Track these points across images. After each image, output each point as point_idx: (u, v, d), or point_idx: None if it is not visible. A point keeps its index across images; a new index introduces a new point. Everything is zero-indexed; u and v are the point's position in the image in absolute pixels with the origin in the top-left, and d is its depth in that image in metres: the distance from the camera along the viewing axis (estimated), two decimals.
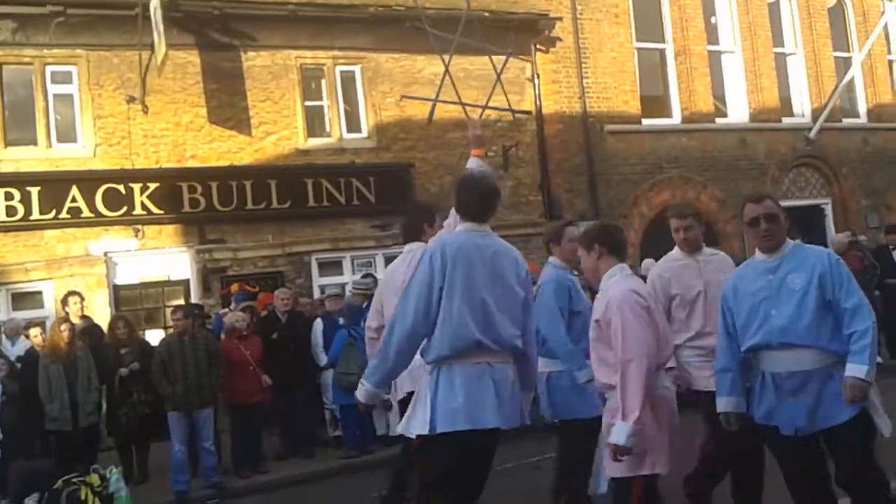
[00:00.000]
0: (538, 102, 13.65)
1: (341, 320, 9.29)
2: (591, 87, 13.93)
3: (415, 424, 3.66)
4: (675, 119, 14.90)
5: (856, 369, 3.61)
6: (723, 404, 4.04)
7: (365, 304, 9.36)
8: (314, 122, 12.57)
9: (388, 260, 12.62)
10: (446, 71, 10.01)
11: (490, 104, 13.37)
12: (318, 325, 9.43)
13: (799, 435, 3.77)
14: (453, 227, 4.06)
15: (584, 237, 4.14)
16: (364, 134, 12.74)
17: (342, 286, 11.81)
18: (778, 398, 3.82)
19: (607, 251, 3.96)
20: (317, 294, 11.55)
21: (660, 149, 14.46)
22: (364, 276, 10.59)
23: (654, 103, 14.83)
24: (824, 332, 3.73)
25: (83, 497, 7.15)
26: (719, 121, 15.21)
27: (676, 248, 5.11)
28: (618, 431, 3.58)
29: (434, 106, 8.64)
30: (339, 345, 8.89)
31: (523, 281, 3.85)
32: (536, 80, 13.65)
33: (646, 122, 14.51)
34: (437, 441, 3.56)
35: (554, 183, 13.70)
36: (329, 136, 12.56)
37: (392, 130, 12.75)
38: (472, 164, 4.75)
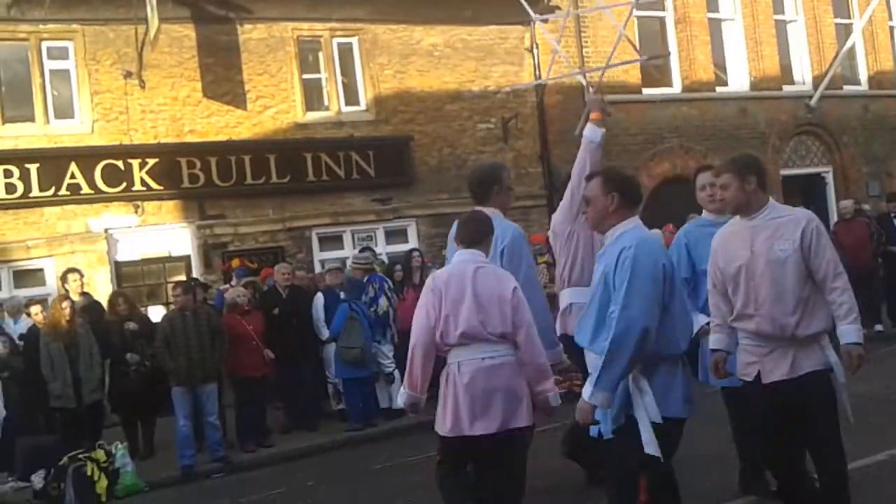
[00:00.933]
0: (537, 73, 13.55)
1: (342, 294, 9.30)
2: (591, 56, 13.82)
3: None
4: (676, 88, 14.80)
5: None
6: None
7: (365, 278, 9.39)
8: (312, 95, 12.49)
9: (389, 234, 12.67)
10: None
11: (488, 75, 13.35)
12: (319, 299, 9.44)
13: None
14: None
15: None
16: (363, 107, 12.66)
17: (343, 260, 11.81)
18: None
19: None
20: (318, 269, 11.55)
21: (660, 118, 14.39)
22: (363, 251, 10.58)
23: (655, 72, 14.72)
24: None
25: (89, 472, 7.22)
26: (720, 89, 15.10)
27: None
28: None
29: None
30: (341, 319, 8.91)
31: None
32: (535, 50, 13.55)
33: (646, 91, 14.41)
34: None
35: (554, 154, 13.64)
36: (327, 109, 12.49)
37: (391, 103, 12.68)
38: (589, 131, 4.76)
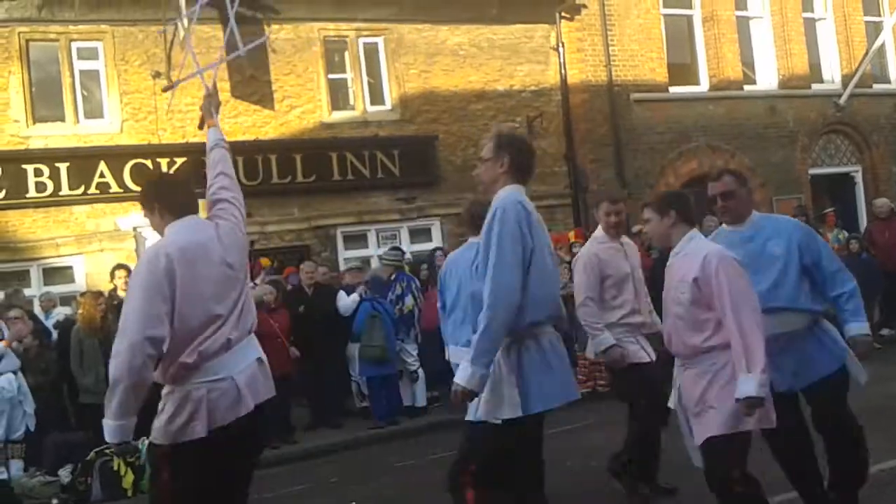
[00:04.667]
0: (563, 71, 13.51)
1: (361, 293, 9.31)
2: (617, 54, 13.76)
3: (504, 409, 3.46)
4: (703, 86, 14.69)
5: (861, 327, 4.01)
6: None
7: (392, 275, 9.42)
8: (338, 95, 12.55)
9: (413, 233, 12.70)
10: None
11: (513, 74, 13.34)
12: (342, 295, 9.46)
13: (786, 392, 3.99)
14: None
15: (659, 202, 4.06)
16: (388, 106, 12.70)
17: (365, 259, 11.86)
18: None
19: (680, 218, 3.91)
20: (342, 268, 11.61)
21: (687, 117, 14.28)
22: (392, 249, 10.59)
23: (682, 71, 14.61)
24: (804, 294, 4.05)
25: (115, 468, 7.32)
26: (748, 88, 14.96)
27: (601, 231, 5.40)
28: (746, 384, 3.47)
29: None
30: (363, 317, 8.95)
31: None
32: (561, 49, 13.50)
33: (673, 89, 14.31)
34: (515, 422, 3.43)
35: (579, 153, 13.60)
36: (353, 109, 12.55)
37: (416, 102, 12.71)
38: (213, 134, 4.12)
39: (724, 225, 4.28)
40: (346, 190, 12.18)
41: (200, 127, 4.31)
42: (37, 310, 9.52)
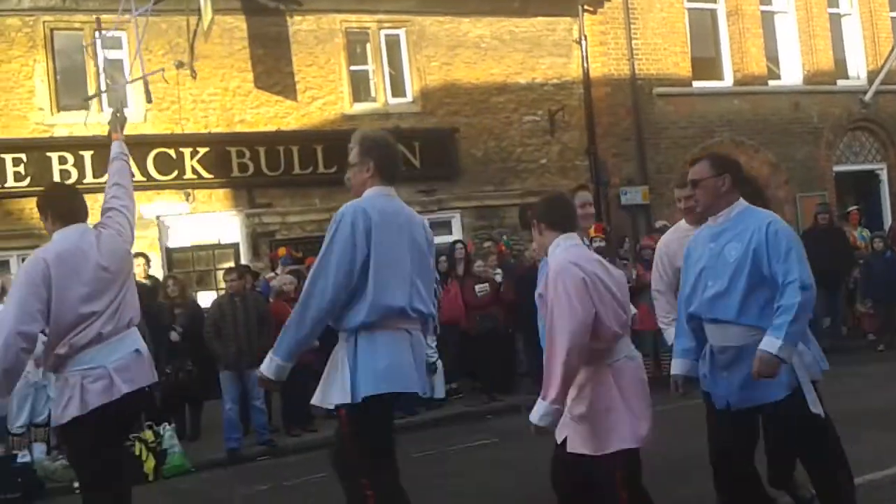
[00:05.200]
0: (585, 65, 13.46)
1: None
2: (640, 48, 13.68)
3: (334, 394, 3.52)
4: (727, 81, 14.57)
5: (768, 343, 3.44)
6: (673, 367, 4.00)
7: None
8: (359, 86, 12.57)
9: (433, 225, 12.56)
10: None
11: (535, 67, 13.29)
12: None
13: (732, 409, 3.70)
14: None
15: (528, 214, 3.90)
16: (409, 98, 12.71)
17: None
18: (712, 370, 3.79)
19: (547, 226, 3.68)
20: None
21: (711, 112, 14.18)
22: None
23: (706, 65, 14.50)
24: (753, 309, 3.59)
25: (137, 452, 7.41)
26: (772, 83, 14.83)
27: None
28: (534, 409, 3.40)
29: None
30: None
31: (430, 246, 3.82)
32: (584, 42, 13.44)
33: (696, 84, 14.22)
34: (359, 409, 3.45)
35: (601, 147, 13.54)
36: (374, 100, 12.57)
37: (437, 95, 12.71)
38: (118, 147, 4.55)
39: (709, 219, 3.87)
40: None
41: (108, 138, 4.73)
42: None
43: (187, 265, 11.51)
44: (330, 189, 12.00)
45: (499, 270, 10.26)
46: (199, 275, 11.59)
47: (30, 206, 10.59)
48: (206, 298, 10.20)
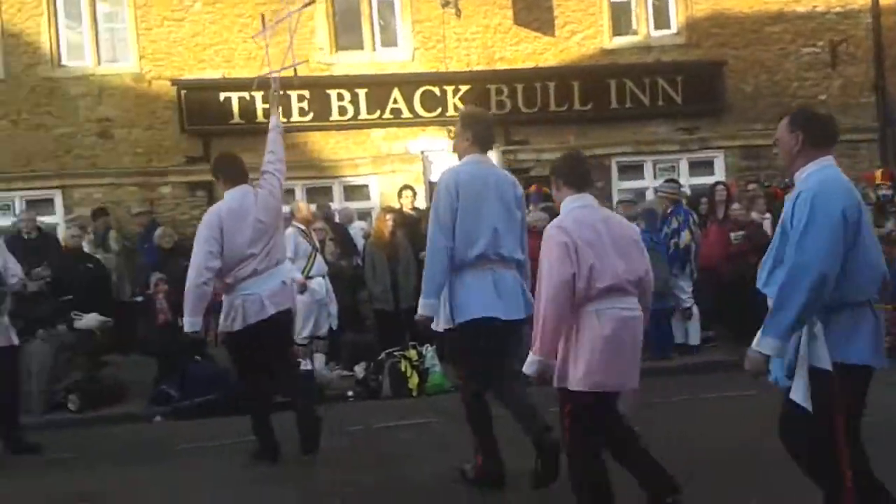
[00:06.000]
0: None
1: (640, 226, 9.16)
2: None
3: (439, 322, 4.55)
4: None
5: (756, 338, 3.26)
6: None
7: (669, 209, 9.17)
8: (620, 19, 12.22)
9: (693, 165, 12.22)
10: None
11: None
12: None
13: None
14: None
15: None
16: (673, 30, 12.17)
17: (640, 192, 11.61)
18: None
19: (563, 183, 3.93)
20: (615, 198, 11.49)
21: None
22: (668, 181, 10.26)
23: None
24: (774, 286, 3.28)
25: (403, 369, 8.03)
26: None
27: None
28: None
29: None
30: None
31: (519, 201, 4.66)
32: None
33: None
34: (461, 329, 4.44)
35: (890, 82, 12.15)
36: (635, 33, 12.18)
37: (703, 25, 12.03)
38: (276, 120, 5.69)
39: None
40: (624, 119, 11.95)
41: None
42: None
43: None
44: (584, 126, 11.95)
45: (767, 215, 9.65)
46: None
47: (312, 139, 11.66)
48: None
